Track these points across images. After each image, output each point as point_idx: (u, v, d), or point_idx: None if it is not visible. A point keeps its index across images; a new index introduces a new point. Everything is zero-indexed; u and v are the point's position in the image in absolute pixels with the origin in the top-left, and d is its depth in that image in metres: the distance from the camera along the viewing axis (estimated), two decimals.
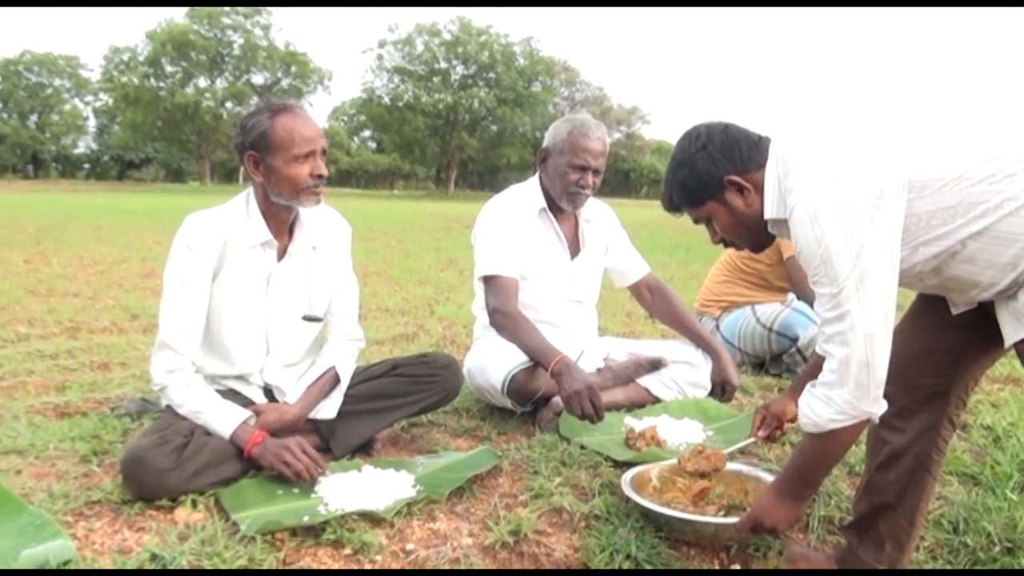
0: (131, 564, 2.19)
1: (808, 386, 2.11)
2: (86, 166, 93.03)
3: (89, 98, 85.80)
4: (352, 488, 2.68)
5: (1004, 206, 1.90)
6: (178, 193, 47.78)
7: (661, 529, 2.57)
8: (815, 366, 2.64)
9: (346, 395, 3.18)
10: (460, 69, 70.56)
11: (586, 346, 4.05)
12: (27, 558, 2.15)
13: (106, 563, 2.23)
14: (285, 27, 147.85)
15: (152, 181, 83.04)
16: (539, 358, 3.44)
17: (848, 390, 1.98)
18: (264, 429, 2.85)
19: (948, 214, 1.96)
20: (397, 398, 3.23)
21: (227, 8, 67.53)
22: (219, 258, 2.94)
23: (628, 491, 2.67)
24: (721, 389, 3.96)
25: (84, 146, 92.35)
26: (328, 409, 3.13)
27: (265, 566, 2.25)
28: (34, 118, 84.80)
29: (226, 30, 68.63)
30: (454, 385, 3.37)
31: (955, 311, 2.20)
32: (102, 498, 2.65)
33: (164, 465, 2.59)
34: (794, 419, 2.75)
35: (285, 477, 2.71)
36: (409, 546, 2.44)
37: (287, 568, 2.28)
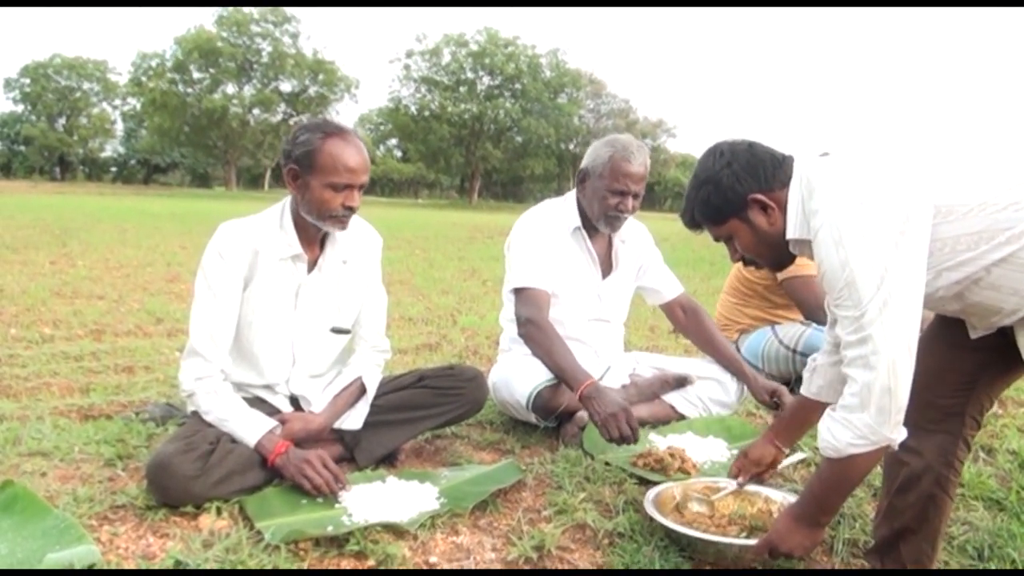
0: (154, 570, 2.19)
1: (828, 410, 2.10)
2: (113, 169, 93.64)
3: (117, 102, 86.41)
4: (376, 499, 2.68)
5: None
6: (203, 198, 48.01)
7: (684, 549, 2.55)
8: (798, 406, 2.72)
9: (372, 405, 3.18)
10: (486, 80, 70.67)
11: (612, 362, 4.03)
12: (52, 561, 2.16)
13: (130, 568, 2.23)
14: (313, 35, 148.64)
15: (178, 186, 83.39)
16: (568, 380, 3.40)
17: (869, 415, 1.96)
18: (289, 438, 2.85)
19: (973, 240, 1.95)
20: (422, 410, 3.23)
21: (256, 16, 67.91)
22: (250, 267, 2.95)
23: (651, 510, 2.63)
24: (772, 402, 3.90)
25: (111, 150, 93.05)
26: (353, 419, 3.13)
27: None
28: (62, 121, 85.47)
29: (255, 38, 68.98)
30: (479, 398, 3.37)
31: (974, 335, 2.20)
32: (127, 503, 2.66)
33: (189, 472, 2.59)
34: (773, 464, 2.80)
35: (305, 490, 2.71)
36: (432, 559, 2.43)
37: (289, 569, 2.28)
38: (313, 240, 3.06)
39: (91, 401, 4.02)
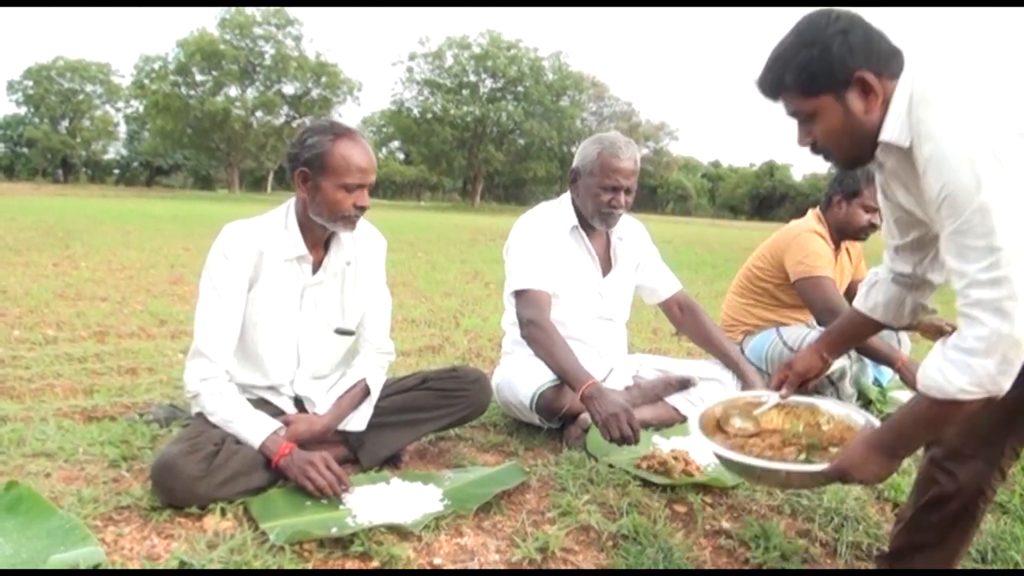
0: (159, 571, 2.19)
1: (940, 345, 1.90)
2: (115, 171, 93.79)
3: (120, 104, 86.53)
4: (380, 501, 2.69)
5: None
6: (206, 200, 48.03)
7: (740, 475, 2.50)
8: (848, 320, 2.60)
9: (376, 407, 3.19)
10: (489, 82, 70.64)
11: (615, 364, 4.04)
12: (57, 562, 2.17)
13: (135, 568, 2.23)
14: (316, 38, 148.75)
15: (180, 188, 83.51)
16: (570, 380, 3.41)
17: (993, 362, 1.79)
18: (293, 439, 2.85)
19: None
20: (426, 411, 3.23)
21: (259, 19, 67.97)
22: (255, 268, 2.96)
23: (702, 436, 2.49)
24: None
25: (114, 152, 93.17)
26: (357, 421, 3.14)
27: None
28: (65, 123, 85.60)
29: (257, 40, 68.93)
30: (483, 400, 3.37)
31: None
32: (131, 504, 2.67)
33: (194, 472, 2.60)
34: (818, 375, 2.62)
35: (308, 492, 2.71)
36: (436, 560, 2.44)
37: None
38: (318, 242, 3.07)
39: (95, 403, 4.03)
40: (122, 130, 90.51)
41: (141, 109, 74.39)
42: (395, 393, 3.27)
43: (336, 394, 3.15)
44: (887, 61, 1.95)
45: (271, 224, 3.03)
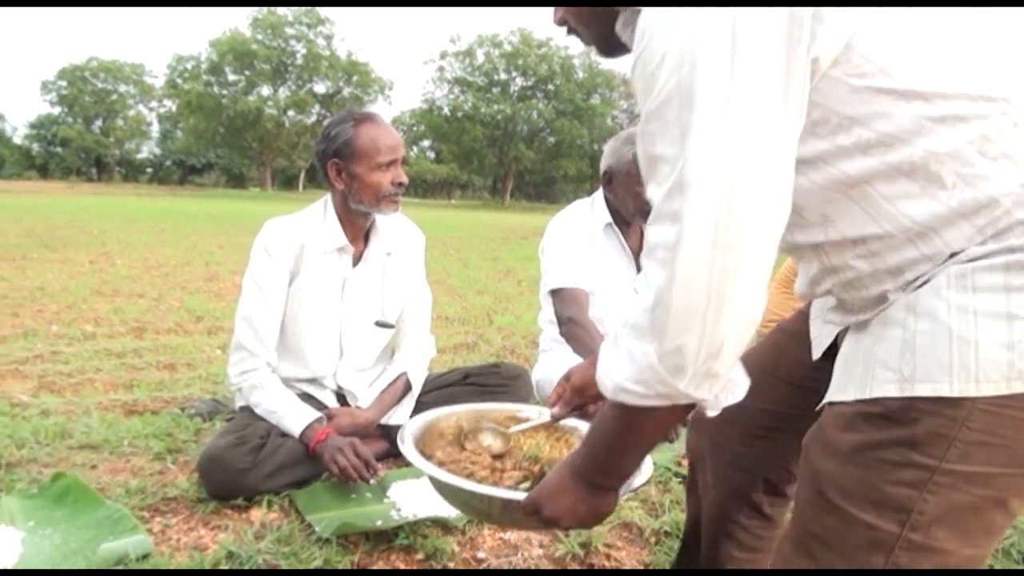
0: (208, 561, 2.22)
1: (619, 325, 1.30)
2: (148, 170, 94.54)
3: (153, 104, 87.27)
4: (424, 495, 2.68)
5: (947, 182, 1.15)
6: (239, 199, 48.33)
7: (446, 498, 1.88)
8: None
9: (418, 402, 3.21)
10: (519, 81, 70.67)
11: None
12: (107, 551, 2.18)
13: (183, 559, 2.25)
14: (347, 37, 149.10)
15: (213, 186, 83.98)
16: None
17: (655, 347, 1.18)
18: (338, 432, 2.86)
19: (846, 124, 1.17)
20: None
21: (290, 18, 68.29)
22: (296, 262, 2.98)
23: (407, 441, 1.97)
24: None
25: (147, 151, 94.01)
26: (400, 415, 3.15)
27: (339, 568, 2.26)
28: (99, 123, 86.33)
29: (289, 40, 69.30)
30: (524, 396, 3.37)
31: (816, 352, 1.52)
32: (178, 495, 2.69)
33: (241, 465, 2.63)
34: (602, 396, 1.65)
35: (334, 475, 2.73)
36: (480, 554, 2.44)
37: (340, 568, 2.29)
38: (358, 234, 3.09)
39: (135, 397, 4.06)
40: (155, 129, 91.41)
41: (174, 108, 75.04)
42: (437, 388, 3.28)
43: (378, 388, 3.16)
44: None
45: (311, 218, 3.06)
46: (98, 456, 3.05)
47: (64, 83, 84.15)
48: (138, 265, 10.21)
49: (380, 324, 3.19)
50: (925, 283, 1.16)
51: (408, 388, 3.20)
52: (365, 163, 2.88)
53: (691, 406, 1.24)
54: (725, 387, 1.24)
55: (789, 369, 1.55)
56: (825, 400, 1.29)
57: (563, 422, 2.02)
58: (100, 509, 2.49)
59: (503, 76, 70.55)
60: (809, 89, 1.12)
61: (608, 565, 2.46)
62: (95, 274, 9.10)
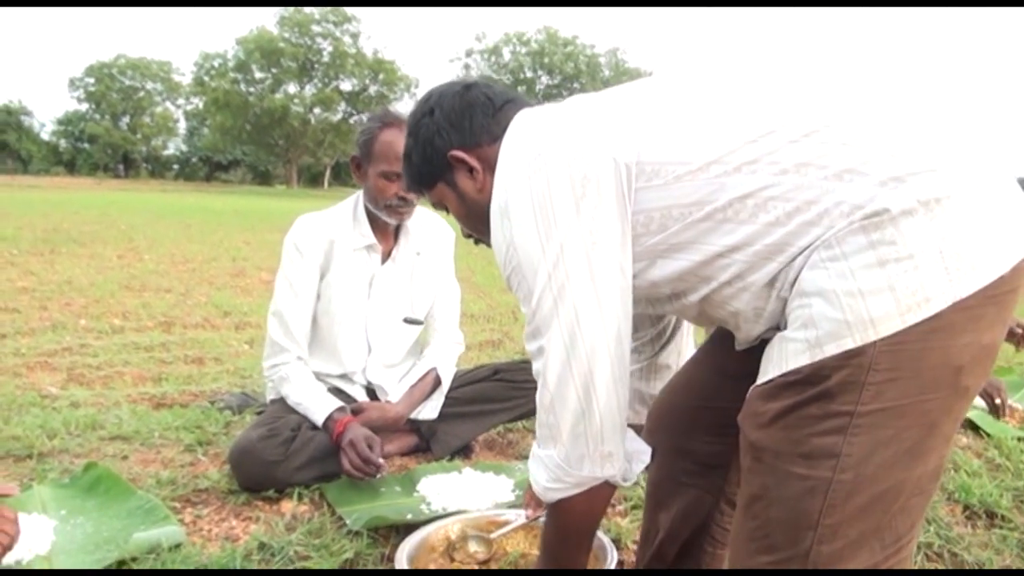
0: (239, 551, 2.22)
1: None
2: (175, 167, 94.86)
3: (180, 101, 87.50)
4: (453, 489, 2.69)
5: (768, 208, 1.31)
6: (265, 196, 48.48)
7: None
8: None
9: (447, 397, 3.21)
10: (545, 79, 70.65)
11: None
12: (139, 540, 2.19)
13: (214, 549, 2.26)
14: (374, 35, 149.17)
15: (239, 183, 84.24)
16: None
17: (562, 447, 1.48)
18: (367, 426, 2.86)
19: (687, 212, 1.36)
20: (498, 402, 3.23)
21: (317, 16, 68.44)
22: (326, 257, 3.00)
23: (401, 558, 2.13)
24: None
25: (174, 147, 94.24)
26: (429, 410, 3.15)
27: (370, 562, 2.26)
28: (126, 119, 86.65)
29: (315, 38, 69.43)
30: None
31: (739, 348, 1.60)
32: (209, 487, 2.71)
33: (272, 457, 2.64)
34: None
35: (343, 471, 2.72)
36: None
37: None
38: (387, 231, 3.10)
39: (163, 390, 4.08)
40: (182, 126, 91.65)
41: (201, 106, 75.26)
42: (467, 384, 3.28)
43: (408, 383, 3.16)
44: (481, 128, 1.66)
45: (341, 215, 3.07)
46: (129, 447, 3.07)
47: (92, 80, 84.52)
48: (165, 260, 10.28)
49: (408, 321, 3.20)
50: (802, 269, 1.30)
51: (437, 383, 3.19)
52: (376, 167, 2.89)
53: (612, 489, 1.58)
54: (632, 459, 1.59)
55: (741, 367, 1.59)
56: (752, 387, 1.39)
57: (541, 520, 2.05)
58: (132, 499, 2.51)
59: (528, 74, 70.56)
60: (633, 211, 1.39)
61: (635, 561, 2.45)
62: (123, 269, 9.16)
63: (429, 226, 3.21)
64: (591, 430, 1.45)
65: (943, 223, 1.22)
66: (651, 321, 1.99)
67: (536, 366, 1.48)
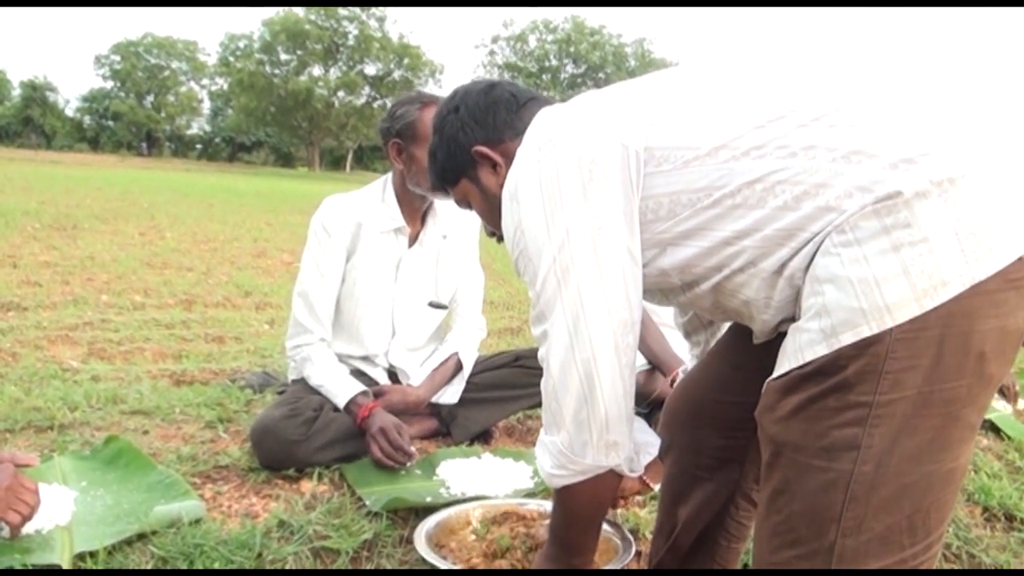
0: (259, 528, 2.22)
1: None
2: (198, 146, 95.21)
3: (205, 81, 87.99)
4: (473, 474, 2.69)
5: (776, 191, 1.31)
6: (287, 177, 48.63)
7: None
8: None
9: (468, 383, 3.20)
10: (570, 68, 70.55)
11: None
12: (160, 514, 2.20)
13: (234, 525, 2.27)
14: (400, 20, 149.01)
15: (262, 164, 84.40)
16: (661, 365, 3.39)
17: (566, 434, 1.48)
18: (388, 409, 2.86)
19: (696, 198, 1.36)
20: (518, 389, 3.22)
21: None
22: (353, 239, 2.99)
23: (420, 539, 2.14)
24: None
25: (197, 127, 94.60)
26: (450, 395, 3.15)
27: (388, 544, 2.26)
28: (150, 98, 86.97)
29: (342, 21, 69.51)
30: None
31: (756, 341, 1.56)
32: (229, 464, 2.71)
33: (294, 436, 2.64)
34: (635, 491, 2.09)
35: (373, 458, 2.72)
36: None
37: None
38: (415, 214, 3.09)
39: (183, 367, 4.10)
40: (206, 106, 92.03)
41: (225, 86, 75.67)
42: (488, 370, 3.27)
43: (430, 367, 3.16)
44: (505, 123, 1.71)
45: (369, 197, 3.06)
46: (150, 422, 3.08)
47: (118, 58, 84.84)
48: (187, 239, 10.32)
49: (433, 305, 3.19)
50: (815, 255, 1.28)
51: (459, 368, 3.19)
52: (421, 147, 2.86)
53: (618, 478, 1.58)
54: (640, 450, 1.62)
55: (758, 361, 1.57)
56: (768, 380, 1.37)
57: None
58: (152, 473, 2.51)
59: (554, 63, 70.45)
60: (642, 196, 1.40)
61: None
62: (144, 246, 9.21)
63: (455, 210, 3.20)
64: (595, 417, 1.45)
65: (958, 204, 1.20)
66: (703, 325, 2.00)
67: (540, 351, 1.50)
